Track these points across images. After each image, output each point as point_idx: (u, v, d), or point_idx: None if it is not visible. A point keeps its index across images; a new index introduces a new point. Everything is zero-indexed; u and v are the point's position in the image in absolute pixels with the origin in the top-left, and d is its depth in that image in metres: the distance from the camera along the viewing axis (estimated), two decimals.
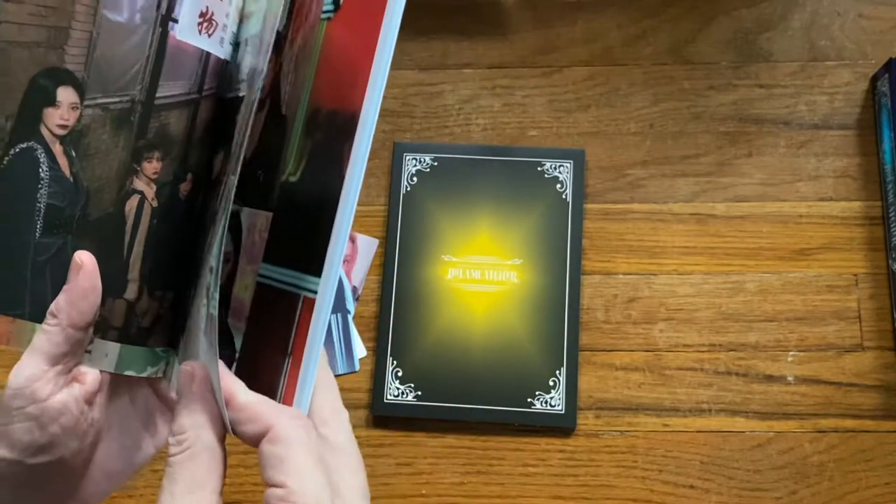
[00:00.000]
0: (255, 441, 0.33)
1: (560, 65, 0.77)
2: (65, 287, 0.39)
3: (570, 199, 0.72)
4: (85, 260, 0.39)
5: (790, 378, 0.69)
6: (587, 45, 0.78)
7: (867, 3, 0.77)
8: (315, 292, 0.34)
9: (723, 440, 0.68)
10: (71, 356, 0.38)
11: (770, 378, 0.69)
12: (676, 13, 0.78)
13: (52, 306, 0.38)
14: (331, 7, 0.37)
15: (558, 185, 0.73)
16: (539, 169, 0.73)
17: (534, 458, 0.68)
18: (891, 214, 0.71)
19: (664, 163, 0.74)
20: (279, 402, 0.35)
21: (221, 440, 0.35)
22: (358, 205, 0.35)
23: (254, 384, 0.35)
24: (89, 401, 0.39)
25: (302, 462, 0.32)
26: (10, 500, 0.38)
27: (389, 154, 0.75)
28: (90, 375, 0.39)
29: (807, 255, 0.71)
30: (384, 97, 0.34)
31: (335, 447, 0.35)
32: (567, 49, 0.78)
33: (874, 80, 0.75)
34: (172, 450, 0.35)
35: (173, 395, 0.42)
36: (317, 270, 0.34)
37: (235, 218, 0.40)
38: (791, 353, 0.69)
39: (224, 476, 0.34)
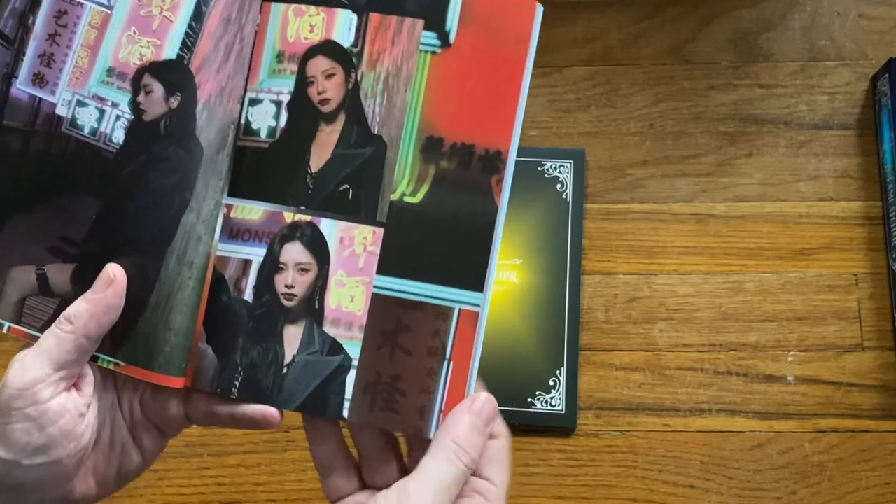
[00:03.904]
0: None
1: (560, 65, 0.77)
2: (89, 297, 0.39)
3: (570, 199, 0.72)
4: (118, 275, 0.39)
5: (790, 378, 0.69)
6: (587, 45, 0.78)
7: (867, 3, 0.77)
8: (475, 305, 0.40)
9: (723, 440, 0.68)
10: (77, 364, 0.38)
11: (770, 378, 0.69)
12: (676, 13, 0.78)
13: (70, 311, 0.38)
14: (435, 42, 0.41)
15: (558, 185, 0.73)
16: (539, 169, 0.73)
17: (534, 458, 0.68)
18: (891, 214, 0.71)
19: (664, 163, 0.74)
20: (442, 400, 0.40)
21: None
22: None
23: (395, 384, 0.39)
24: (86, 402, 0.39)
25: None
26: (1, 501, 0.38)
27: None
28: (87, 379, 0.40)
29: (807, 255, 0.71)
30: None
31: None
32: (567, 49, 0.78)
33: (874, 80, 0.75)
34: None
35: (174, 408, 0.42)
36: (476, 286, 0.40)
37: (311, 229, 0.41)
38: (791, 353, 0.69)
39: None
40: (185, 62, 0.42)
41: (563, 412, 0.68)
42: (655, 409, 0.69)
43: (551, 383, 0.68)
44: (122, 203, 0.41)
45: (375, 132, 0.41)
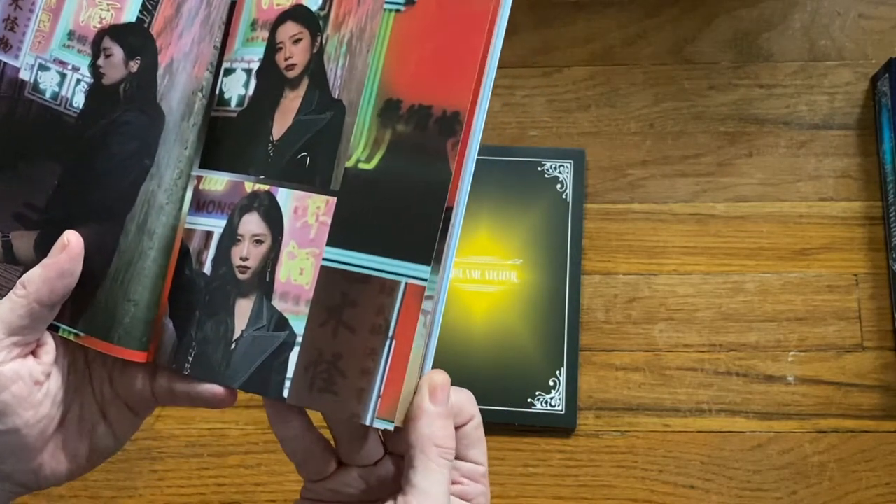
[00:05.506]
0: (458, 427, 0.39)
1: (560, 65, 0.77)
2: (44, 262, 0.39)
3: (570, 199, 0.72)
4: (72, 241, 0.39)
5: (790, 378, 0.69)
6: (587, 45, 0.78)
7: (867, 3, 0.77)
8: (421, 279, 0.37)
9: (723, 440, 0.68)
10: (31, 330, 0.38)
11: (770, 378, 0.69)
12: (676, 13, 0.78)
13: (25, 277, 0.38)
14: (400, 0, 0.39)
15: (558, 185, 0.73)
16: (539, 169, 0.73)
17: (534, 458, 0.68)
18: (891, 214, 0.71)
19: (664, 163, 0.74)
20: (381, 384, 0.37)
21: None
22: None
23: (336, 363, 0.37)
24: (44, 371, 0.39)
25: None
26: None
27: None
28: (46, 347, 0.39)
29: (807, 255, 0.71)
30: None
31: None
32: (567, 49, 0.78)
33: (874, 80, 0.75)
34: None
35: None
36: (423, 259, 0.37)
37: (268, 199, 0.40)
38: (791, 353, 0.69)
39: None
40: (146, 25, 0.41)
41: (563, 412, 0.68)
42: (655, 409, 0.69)
43: (551, 383, 0.68)
44: (83, 168, 0.41)
45: (336, 97, 0.39)
